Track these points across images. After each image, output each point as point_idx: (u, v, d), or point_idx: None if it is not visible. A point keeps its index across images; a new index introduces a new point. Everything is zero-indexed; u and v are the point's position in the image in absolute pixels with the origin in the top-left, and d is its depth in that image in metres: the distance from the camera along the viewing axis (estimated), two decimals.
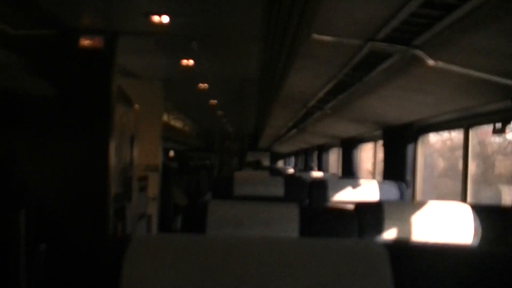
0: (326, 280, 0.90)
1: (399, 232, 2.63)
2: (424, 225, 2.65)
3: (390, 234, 2.62)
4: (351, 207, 2.58)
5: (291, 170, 10.34)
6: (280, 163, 23.03)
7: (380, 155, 6.08)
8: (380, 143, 6.24)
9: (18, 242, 2.75)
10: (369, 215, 2.63)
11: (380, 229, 2.62)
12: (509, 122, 3.28)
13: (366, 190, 4.18)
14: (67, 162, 4.94)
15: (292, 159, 19.40)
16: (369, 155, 7.55)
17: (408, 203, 2.93)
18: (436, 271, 0.95)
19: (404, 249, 0.99)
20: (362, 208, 2.66)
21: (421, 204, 2.75)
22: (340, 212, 2.29)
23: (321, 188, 4.10)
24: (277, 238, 1.01)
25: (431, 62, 2.61)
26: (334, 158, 10.46)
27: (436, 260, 0.96)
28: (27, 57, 4.44)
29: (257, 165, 13.09)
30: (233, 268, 0.90)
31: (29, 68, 4.49)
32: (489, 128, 3.57)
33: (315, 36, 2.63)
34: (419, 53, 2.57)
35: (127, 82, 7.10)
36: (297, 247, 0.96)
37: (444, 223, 2.64)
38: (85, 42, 4.89)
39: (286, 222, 2.26)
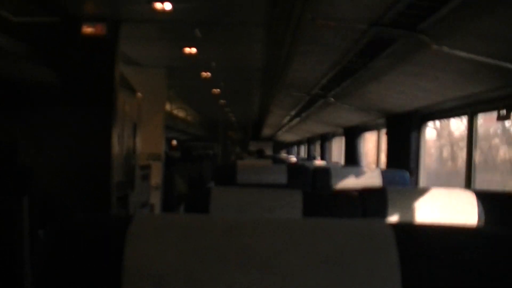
0: (332, 259, 0.89)
1: (402, 217, 2.62)
2: (427, 211, 2.64)
3: (393, 219, 2.61)
4: (355, 195, 2.57)
5: (293, 159, 10.33)
6: (282, 153, 23.05)
7: (384, 143, 6.07)
8: (383, 131, 6.23)
9: (22, 228, 2.76)
10: (373, 201, 2.63)
11: (383, 215, 2.61)
12: None
13: (370, 178, 4.17)
14: (70, 150, 4.94)
15: (295, 149, 19.41)
16: (372, 145, 7.53)
17: (412, 189, 2.92)
18: (442, 251, 0.94)
19: (409, 229, 0.98)
20: (366, 193, 2.65)
21: (424, 191, 2.74)
22: (344, 197, 2.28)
23: (325, 176, 4.10)
24: (282, 219, 1.00)
25: (435, 47, 2.59)
26: (337, 147, 10.45)
27: (441, 240, 0.96)
28: (29, 44, 4.43)
29: (259, 154, 13.10)
30: (237, 246, 0.90)
31: (32, 56, 4.48)
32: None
33: (319, 20, 2.61)
34: (424, 38, 2.55)
35: (130, 70, 7.10)
36: (302, 226, 0.95)
37: (448, 209, 2.64)
38: (88, 29, 4.88)
39: (290, 208, 2.25)
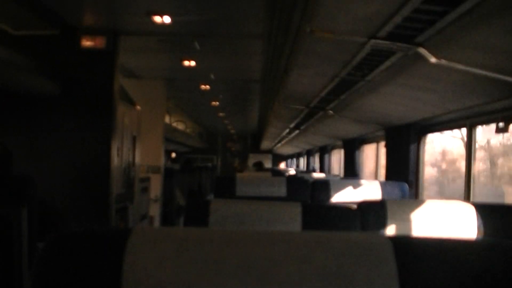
0: (330, 271, 0.89)
1: (401, 230, 2.62)
2: (427, 223, 2.64)
3: (393, 232, 2.61)
4: (354, 207, 2.57)
5: (292, 172, 10.32)
6: (282, 165, 23.03)
7: (383, 156, 6.07)
8: (382, 144, 6.24)
9: (20, 239, 2.75)
10: (372, 213, 2.62)
11: (382, 227, 2.61)
12: None
13: (369, 190, 4.17)
14: (69, 162, 4.94)
15: (294, 161, 19.40)
16: (371, 157, 7.53)
17: (411, 201, 2.91)
18: (440, 264, 0.94)
19: (408, 242, 0.98)
20: (365, 206, 2.65)
21: (424, 203, 2.73)
22: (343, 210, 2.28)
23: (324, 188, 4.09)
24: (281, 231, 1.00)
25: (433, 60, 2.60)
26: (336, 159, 10.45)
27: (440, 253, 0.96)
28: (29, 56, 4.44)
29: (258, 167, 13.09)
30: (236, 258, 0.90)
31: (31, 68, 4.49)
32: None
33: (317, 33, 2.62)
34: (422, 50, 2.56)
35: (129, 82, 7.12)
36: (301, 239, 0.95)
37: (447, 221, 2.63)
38: (87, 42, 4.89)
39: (289, 220, 2.24)
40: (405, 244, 0.96)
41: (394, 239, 0.96)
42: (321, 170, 10.87)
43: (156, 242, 0.92)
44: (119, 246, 0.92)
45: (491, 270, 0.94)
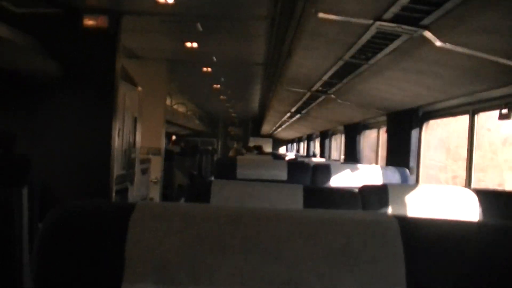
0: (337, 249, 0.89)
1: (403, 214, 2.61)
2: (428, 208, 2.64)
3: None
4: (355, 191, 2.57)
5: (292, 157, 10.32)
6: (282, 149, 23.05)
7: (384, 141, 6.06)
8: (383, 129, 6.22)
9: (21, 220, 2.75)
10: (373, 197, 2.62)
11: (384, 211, 2.60)
12: None
13: (369, 175, 4.17)
14: (70, 143, 4.93)
15: (295, 146, 19.41)
16: (372, 145, 7.52)
17: (413, 186, 2.91)
18: (446, 244, 0.94)
19: (414, 221, 0.98)
20: (366, 190, 2.65)
21: (425, 188, 2.73)
22: (344, 193, 2.27)
23: (324, 172, 4.09)
24: (285, 209, 0.99)
25: (439, 43, 2.58)
26: (336, 145, 10.45)
27: (445, 234, 0.96)
28: (30, 35, 4.41)
29: (258, 151, 13.08)
30: (241, 234, 0.89)
31: (33, 47, 4.47)
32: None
33: (322, 14, 2.60)
34: (427, 34, 2.54)
35: (131, 63, 7.09)
36: (306, 217, 0.94)
37: (448, 207, 2.63)
38: (89, 21, 4.86)
39: (291, 202, 2.24)
40: (411, 224, 0.96)
41: (400, 219, 0.95)
42: (321, 155, 10.87)
43: (159, 218, 0.91)
44: (123, 221, 0.91)
45: (496, 251, 0.94)
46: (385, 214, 0.98)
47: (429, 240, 0.93)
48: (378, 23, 2.60)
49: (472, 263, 0.92)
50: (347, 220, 0.93)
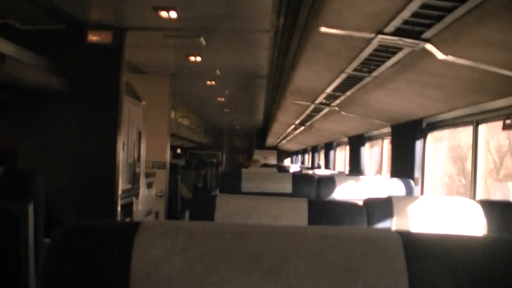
0: (339, 266, 0.89)
1: (407, 226, 2.61)
2: (433, 220, 2.64)
3: (398, 228, 2.61)
4: (360, 203, 2.57)
5: (296, 168, 10.31)
6: (287, 161, 23.04)
7: (388, 153, 6.06)
8: (388, 140, 6.23)
9: (27, 235, 2.75)
10: (378, 210, 2.62)
11: (389, 223, 2.60)
12: None
13: (374, 187, 4.16)
14: (75, 157, 4.95)
15: (299, 157, 19.39)
16: (376, 158, 7.52)
17: (417, 197, 2.91)
18: (449, 259, 0.94)
19: (417, 237, 0.98)
20: (371, 202, 2.65)
21: (430, 199, 2.73)
22: (349, 206, 2.27)
23: (329, 184, 4.09)
24: (288, 226, 0.99)
25: (441, 56, 2.59)
26: (341, 156, 10.44)
27: (448, 249, 0.96)
28: (36, 52, 4.44)
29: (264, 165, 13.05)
30: (244, 252, 0.89)
31: (38, 64, 4.50)
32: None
33: (324, 28, 2.62)
34: (429, 46, 2.56)
35: (135, 77, 7.12)
36: (309, 233, 0.95)
37: (453, 218, 2.63)
38: (94, 37, 4.89)
39: (295, 216, 2.24)
40: (414, 240, 0.96)
41: (403, 234, 0.96)
42: (326, 167, 10.86)
43: (164, 236, 0.92)
44: (128, 240, 0.92)
45: (499, 266, 0.94)
46: (388, 229, 0.98)
47: (432, 256, 0.94)
48: (380, 36, 2.61)
49: (476, 278, 0.93)
50: (350, 237, 0.93)
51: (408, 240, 0.94)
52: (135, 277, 0.88)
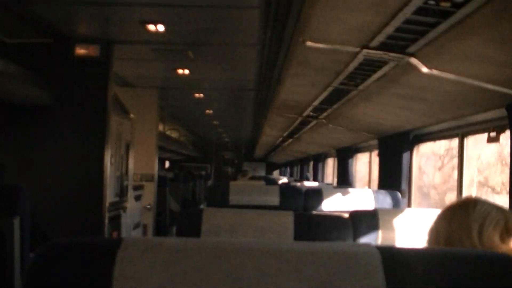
0: (319, 283, 0.90)
1: (393, 239, 2.63)
2: (418, 232, 2.65)
3: (384, 241, 2.62)
4: (346, 216, 2.58)
5: (284, 180, 10.32)
6: (276, 173, 23.04)
7: (376, 164, 6.08)
8: (375, 152, 6.25)
9: (12, 251, 2.73)
10: (364, 222, 2.63)
11: (374, 236, 2.61)
12: (503, 131, 3.29)
13: (361, 199, 4.18)
14: (63, 171, 4.92)
15: (288, 169, 19.40)
16: (364, 166, 7.54)
17: (403, 210, 2.93)
18: (429, 275, 0.94)
19: (396, 252, 0.99)
20: (356, 215, 2.66)
21: (415, 212, 2.75)
22: (335, 219, 2.28)
23: (316, 196, 4.10)
24: (271, 242, 1.00)
25: (425, 70, 2.62)
26: (329, 168, 10.46)
27: (428, 264, 0.96)
28: (23, 66, 4.43)
29: (244, 175, 13.02)
30: (226, 269, 0.90)
31: (25, 78, 4.49)
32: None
33: (309, 43, 2.64)
34: (414, 61, 2.58)
35: (123, 91, 7.11)
36: (290, 250, 0.95)
37: None
38: (81, 50, 4.88)
39: (281, 230, 2.25)
40: (394, 255, 0.97)
41: (382, 249, 0.96)
42: (315, 179, 10.88)
43: (146, 253, 0.92)
44: (109, 256, 0.92)
45: (479, 281, 0.95)
46: (368, 245, 0.99)
47: (412, 270, 0.94)
48: (365, 50, 2.64)
49: None
50: (330, 253, 0.94)
51: (388, 256, 0.94)
52: None
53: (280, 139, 10.43)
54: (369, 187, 6.82)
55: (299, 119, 6.22)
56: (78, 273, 0.92)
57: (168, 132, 12.43)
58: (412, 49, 2.48)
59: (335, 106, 4.53)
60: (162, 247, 0.94)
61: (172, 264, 0.90)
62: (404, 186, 4.86)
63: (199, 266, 0.90)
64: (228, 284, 0.89)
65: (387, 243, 2.60)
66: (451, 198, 4.24)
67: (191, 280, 0.89)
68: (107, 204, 5.13)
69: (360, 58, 2.80)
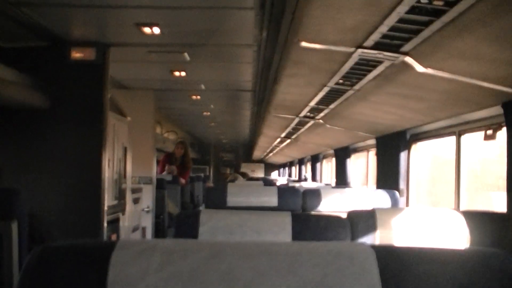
0: (315, 282, 0.90)
1: (391, 238, 2.63)
2: (416, 231, 2.65)
3: (383, 240, 2.62)
4: (343, 216, 2.58)
5: (283, 181, 10.32)
6: (274, 174, 23.05)
7: (374, 164, 6.09)
8: (373, 152, 6.26)
9: (10, 253, 2.73)
10: (362, 222, 2.63)
11: (373, 236, 2.62)
12: (500, 128, 3.29)
13: (360, 199, 4.18)
14: (60, 175, 4.92)
15: (286, 170, 19.40)
16: (362, 166, 7.55)
17: (400, 209, 2.93)
18: (423, 273, 0.95)
19: (391, 251, 0.99)
20: (354, 215, 2.67)
21: (413, 211, 2.75)
22: (332, 219, 2.28)
23: (315, 197, 4.10)
24: (266, 242, 1.00)
25: (420, 68, 2.62)
26: (327, 168, 10.47)
27: (423, 262, 0.97)
28: (19, 69, 4.42)
29: (245, 177, 12.98)
30: (221, 269, 0.90)
31: (21, 81, 4.48)
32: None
33: (305, 43, 2.64)
34: (409, 59, 2.59)
35: (119, 93, 7.10)
36: (286, 250, 0.95)
37: (436, 229, 2.65)
38: (77, 54, 4.88)
39: (279, 230, 2.25)
40: (388, 253, 0.97)
41: (377, 248, 0.97)
42: (313, 179, 10.88)
43: (140, 255, 0.92)
44: (104, 259, 0.92)
45: (474, 279, 0.95)
46: (363, 244, 0.99)
47: (406, 269, 0.95)
48: (360, 50, 2.64)
49: None
50: (325, 252, 0.94)
51: (383, 255, 0.95)
52: None
53: (278, 140, 10.43)
54: (367, 186, 6.83)
55: (297, 120, 6.22)
56: (72, 275, 0.92)
57: (165, 134, 12.43)
58: (406, 48, 2.48)
59: (332, 106, 4.53)
60: (156, 249, 0.94)
61: (166, 265, 0.91)
62: (402, 185, 4.86)
63: (194, 267, 0.90)
64: (223, 284, 0.89)
65: (386, 242, 2.60)
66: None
67: (186, 281, 0.89)
68: (105, 207, 5.13)
69: (355, 58, 2.80)
